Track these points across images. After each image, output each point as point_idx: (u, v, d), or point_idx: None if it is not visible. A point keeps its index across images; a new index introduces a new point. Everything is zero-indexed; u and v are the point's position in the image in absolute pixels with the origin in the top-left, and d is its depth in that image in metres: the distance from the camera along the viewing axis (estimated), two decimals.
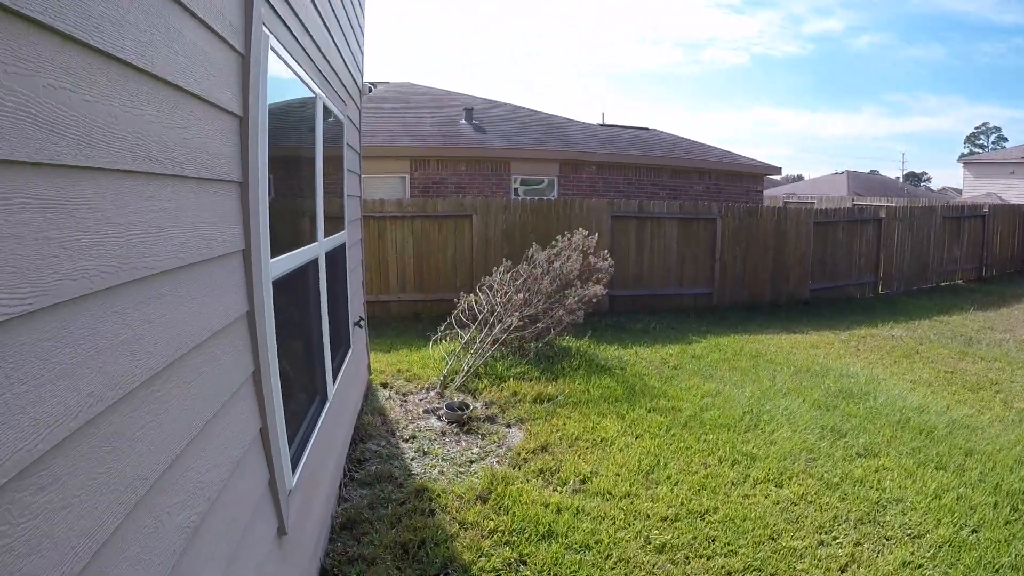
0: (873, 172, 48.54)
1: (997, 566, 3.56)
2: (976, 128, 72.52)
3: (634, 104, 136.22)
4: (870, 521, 4.03)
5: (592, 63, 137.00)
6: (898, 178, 57.03)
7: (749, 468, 4.67)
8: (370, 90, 6.29)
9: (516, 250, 8.34)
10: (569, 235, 7.56)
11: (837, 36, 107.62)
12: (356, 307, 5.49)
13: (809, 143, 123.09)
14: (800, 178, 62.83)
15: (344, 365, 4.42)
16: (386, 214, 9.08)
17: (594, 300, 7.18)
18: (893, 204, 15.48)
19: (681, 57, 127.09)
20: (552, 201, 10.05)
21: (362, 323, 5.69)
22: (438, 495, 4.10)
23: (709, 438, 5.17)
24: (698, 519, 3.94)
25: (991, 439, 5.45)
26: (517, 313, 6.65)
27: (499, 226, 9.47)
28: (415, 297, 9.38)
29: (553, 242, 7.51)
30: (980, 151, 55.52)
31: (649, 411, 5.72)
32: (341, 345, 4.39)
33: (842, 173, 34.18)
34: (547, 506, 3.99)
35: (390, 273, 9.26)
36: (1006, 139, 61.68)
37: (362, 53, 5.89)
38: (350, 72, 4.98)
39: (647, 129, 17.30)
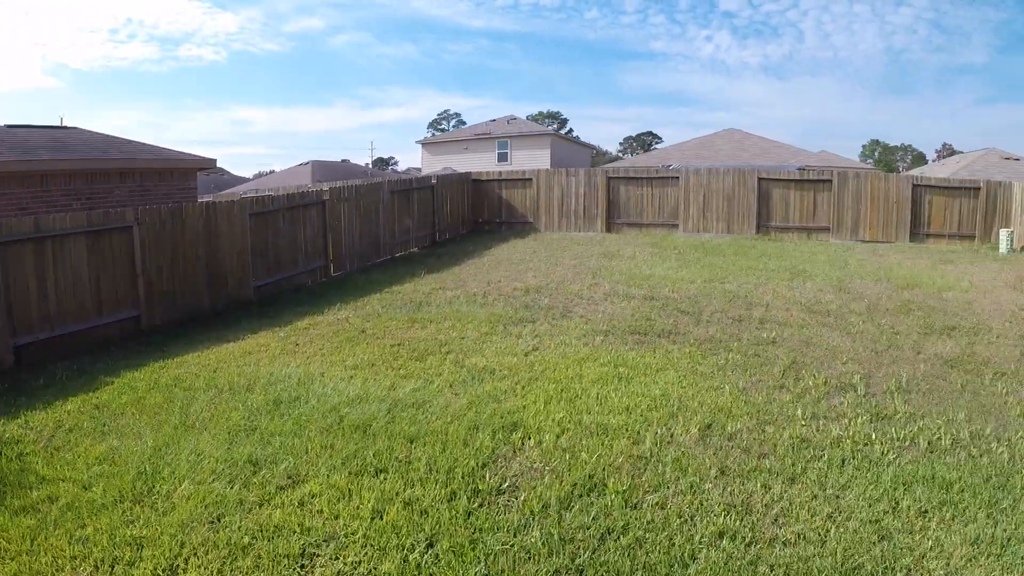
0: (344, 161, 52.48)
1: None
2: (439, 114, 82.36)
3: (104, 106, 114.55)
4: None
5: (53, 59, 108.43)
6: (367, 164, 63.47)
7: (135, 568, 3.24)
8: None
9: None
10: None
11: (317, 34, 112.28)
12: None
13: (287, 140, 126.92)
14: (274, 173, 63.37)
15: None
16: None
17: None
18: (346, 185, 16.00)
19: (157, 53, 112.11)
20: None
21: None
22: None
23: (86, 534, 3.57)
24: None
25: (440, 411, 5.26)
26: None
27: None
28: None
29: None
30: (441, 134, 65.18)
31: (14, 515, 3.80)
32: None
33: (307, 164, 35.20)
34: None
35: None
36: (465, 123, 72.84)
37: None
38: None
39: (67, 128, 13.77)
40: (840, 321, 8.23)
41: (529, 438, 4.77)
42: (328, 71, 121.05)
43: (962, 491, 4.06)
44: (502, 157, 37.29)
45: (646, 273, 11.40)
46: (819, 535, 3.62)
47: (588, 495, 4.01)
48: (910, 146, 75.66)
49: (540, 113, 76.49)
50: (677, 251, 14.00)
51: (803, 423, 5.09)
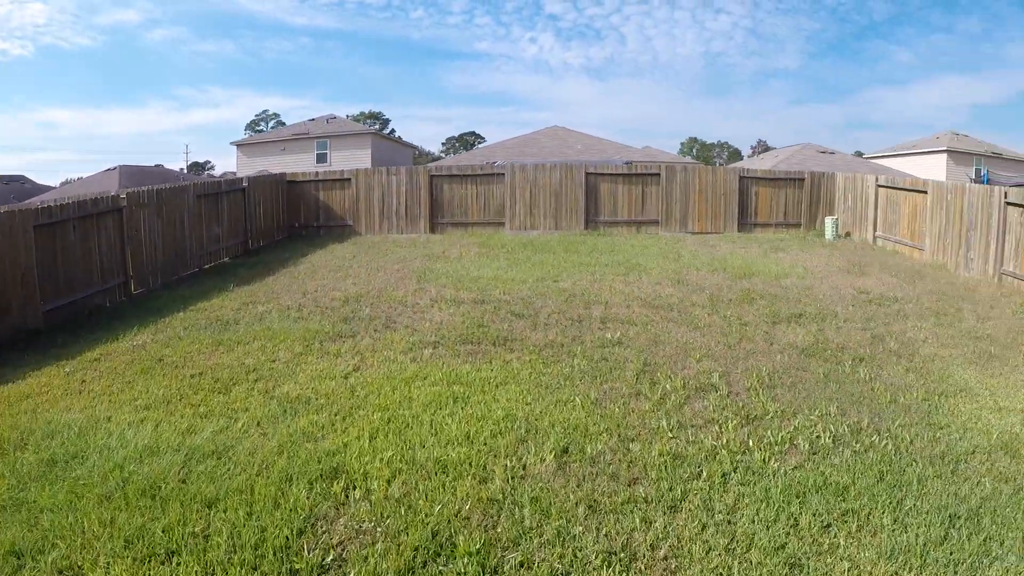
0: (158, 166, 46.78)
1: None
2: (257, 115, 76.61)
3: None
4: None
5: None
6: (182, 169, 57.07)
7: None
8: None
9: None
10: None
11: (132, 28, 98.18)
12: None
13: (98, 144, 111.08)
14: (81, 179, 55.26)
15: None
16: None
17: None
18: (147, 189, 13.42)
19: None
20: None
21: None
22: None
23: None
24: None
25: (245, 460, 4.17)
26: None
27: None
28: None
29: None
30: (257, 135, 60.25)
31: None
32: None
33: (114, 169, 30.47)
34: None
35: None
36: (284, 124, 68.53)
37: None
38: None
39: None
40: (684, 315, 7.89)
41: (354, 487, 3.80)
42: (143, 69, 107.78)
43: (859, 495, 3.65)
44: (321, 158, 35.07)
45: (474, 275, 10.59)
46: None
47: (434, 561, 3.14)
48: (726, 143, 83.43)
49: (362, 113, 74.09)
50: (506, 250, 13.39)
51: (671, 435, 4.45)
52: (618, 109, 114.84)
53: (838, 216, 15.79)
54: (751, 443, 4.25)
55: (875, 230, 14.77)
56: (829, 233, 15.33)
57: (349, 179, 17.13)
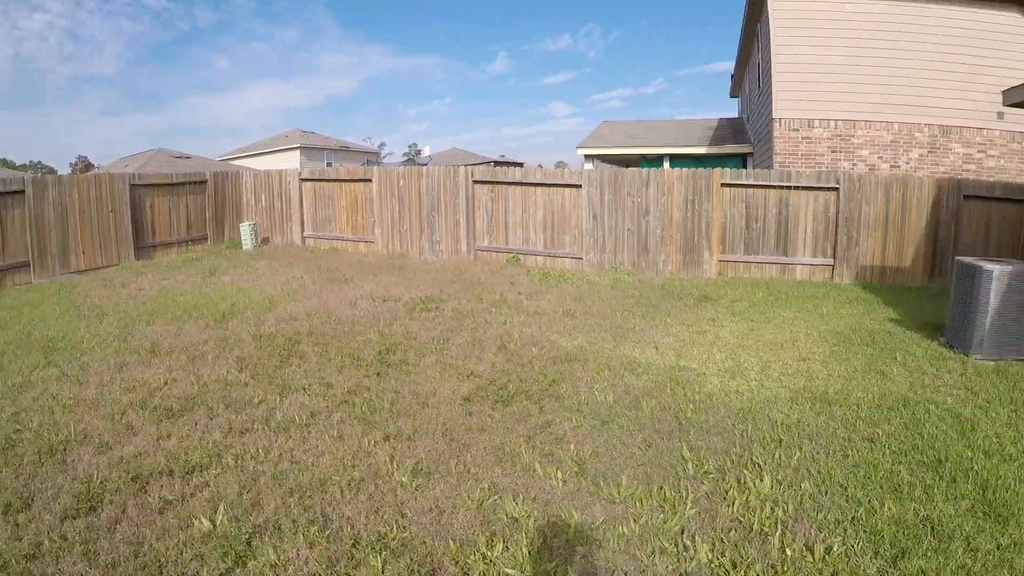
0: None
1: None
2: None
3: None
4: None
5: None
6: None
7: None
8: None
9: None
10: None
11: None
12: None
13: None
14: None
15: None
16: None
17: None
18: None
19: None
20: None
21: None
22: None
23: None
24: None
25: None
26: None
27: None
28: None
29: None
30: None
31: None
32: None
33: None
34: None
35: None
36: None
37: None
38: None
39: None
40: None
41: None
42: None
43: None
44: None
45: None
46: None
47: None
48: (40, 162, 66.02)
49: None
50: None
51: None
52: None
53: (255, 220, 13.48)
54: None
55: (303, 230, 13.24)
56: (248, 242, 12.91)
57: None
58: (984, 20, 11.80)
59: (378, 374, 5.13)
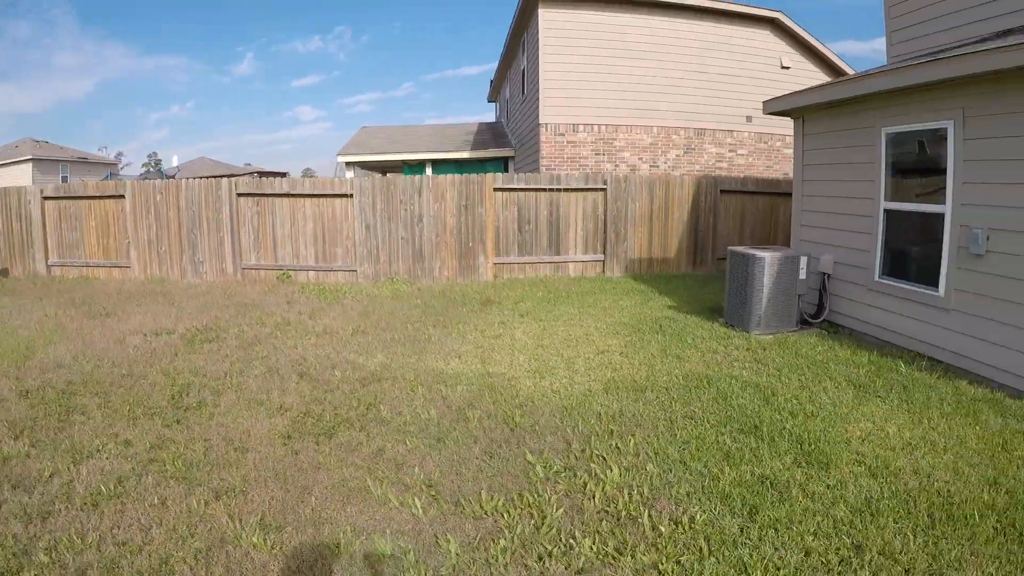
0: None
1: None
2: None
3: None
4: None
5: None
6: None
7: None
8: None
9: None
10: None
11: None
12: None
13: None
14: None
15: None
16: None
17: None
18: None
19: None
20: None
21: None
22: None
23: None
24: None
25: None
26: None
27: None
28: None
29: None
30: None
31: None
32: None
33: None
34: None
35: None
36: None
37: None
38: None
39: None
40: None
41: None
42: None
43: None
44: None
45: None
46: None
47: None
48: None
49: None
50: None
51: None
52: None
53: None
54: None
55: (48, 257, 11.06)
56: None
57: None
58: (736, 35, 13.86)
59: (178, 421, 4.44)
